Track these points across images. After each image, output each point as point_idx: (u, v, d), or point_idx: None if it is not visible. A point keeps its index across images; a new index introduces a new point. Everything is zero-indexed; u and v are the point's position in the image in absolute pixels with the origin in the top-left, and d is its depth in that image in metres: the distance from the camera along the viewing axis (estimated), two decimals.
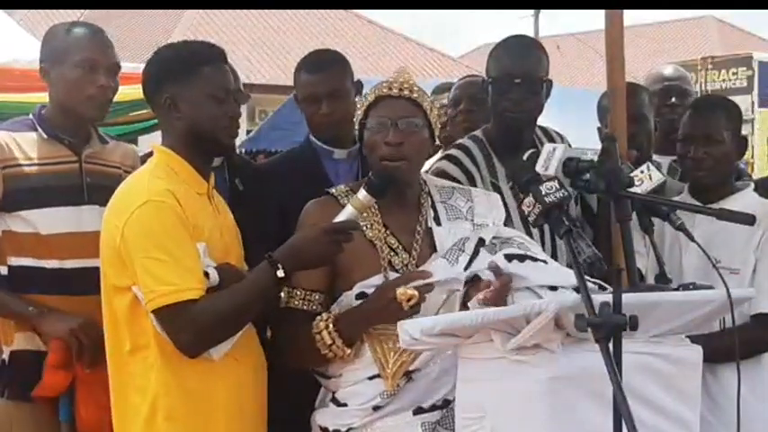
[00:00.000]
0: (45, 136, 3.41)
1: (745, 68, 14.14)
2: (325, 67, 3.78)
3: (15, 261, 3.37)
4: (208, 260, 2.89)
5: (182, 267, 2.82)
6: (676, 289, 3.10)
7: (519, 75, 3.47)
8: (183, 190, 2.93)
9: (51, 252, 3.34)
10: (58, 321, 3.24)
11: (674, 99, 4.69)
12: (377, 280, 2.93)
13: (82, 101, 3.39)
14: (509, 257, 2.87)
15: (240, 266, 3.07)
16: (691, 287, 3.03)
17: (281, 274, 2.84)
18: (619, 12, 3.69)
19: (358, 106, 3.05)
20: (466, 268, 2.89)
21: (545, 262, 2.96)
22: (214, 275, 2.88)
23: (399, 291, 2.82)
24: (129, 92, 6.85)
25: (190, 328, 2.82)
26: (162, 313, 2.82)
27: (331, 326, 2.88)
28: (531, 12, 33.04)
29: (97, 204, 3.33)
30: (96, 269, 3.04)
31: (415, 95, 3.00)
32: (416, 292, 2.81)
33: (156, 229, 2.83)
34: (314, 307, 2.95)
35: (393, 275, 2.93)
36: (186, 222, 2.87)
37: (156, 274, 2.81)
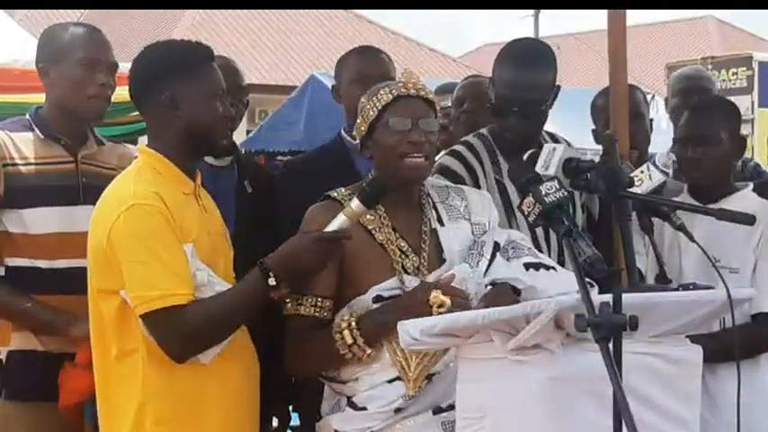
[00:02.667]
0: (42, 136, 3.41)
1: (745, 68, 14.12)
2: (377, 52, 3.90)
3: (11, 261, 3.37)
4: (197, 262, 2.87)
5: (169, 271, 2.80)
6: (676, 289, 3.10)
7: (518, 103, 3.41)
8: (170, 191, 2.90)
9: (43, 252, 3.34)
10: (86, 322, 3.22)
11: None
12: (392, 283, 2.93)
13: (83, 100, 3.39)
14: (527, 266, 2.96)
15: (228, 266, 3.05)
16: (691, 287, 3.03)
17: (272, 282, 2.84)
18: (622, 12, 3.68)
19: (367, 107, 3.01)
20: (484, 273, 2.95)
21: (555, 269, 3.02)
22: (202, 277, 2.86)
23: (434, 294, 2.84)
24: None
25: (178, 334, 2.81)
26: (150, 318, 2.80)
27: (353, 324, 2.87)
28: (531, 12, 33.03)
29: (92, 205, 3.33)
30: None
31: (430, 96, 3.01)
32: (449, 301, 2.83)
33: (143, 232, 2.81)
34: (324, 314, 2.93)
35: (407, 278, 2.94)
36: (173, 225, 2.84)
37: (143, 278, 2.79)
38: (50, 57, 3.44)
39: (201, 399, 2.90)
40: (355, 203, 2.88)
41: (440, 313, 2.80)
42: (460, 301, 2.86)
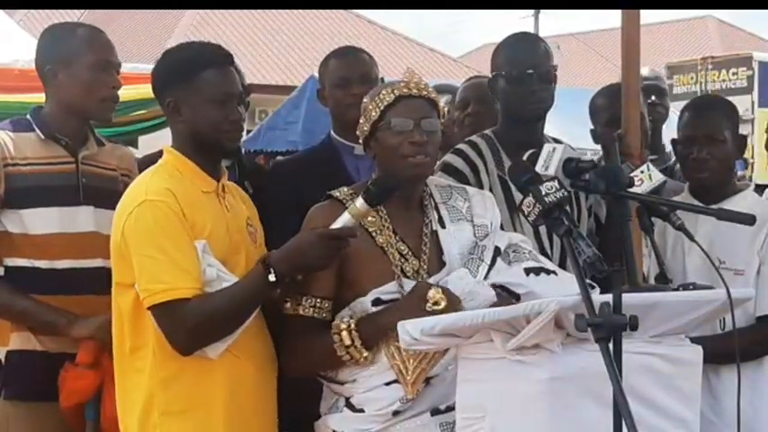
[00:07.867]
0: (42, 136, 3.41)
1: (745, 68, 14.16)
2: (357, 52, 3.91)
3: (11, 262, 3.37)
4: (209, 258, 2.90)
5: (175, 266, 2.85)
6: (676, 289, 3.11)
7: (533, 66, 3.52)
8: (186, 189, 2.95)
9: (43, 252, 3.35)
10: (86, 322, 3.26)
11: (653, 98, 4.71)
12: (392, 287, 2.93)
13: (95, 103, 3.41)
14: (527, 271, 2.96)
15: (251, 263, 3.03)
16: (691, 287, 3.03)
17: (272, 278, 2.85)
18: (636, 12, 3.67)
19: (369, 107, 3.00)
20: (485, 278, 2.95)
21: (555, 273, 3.01)
22: (211, 273, 2.89)
23: (432, 291, 2.84)
24: (129, 92, 6.87)
25: (182, 327, 2.86)
26: (156, 311, 2.87)
27: (353, 326, 2.87)
28: (531, 12, 33.11)
29: (92, 206, 3.36)
30: (91, 269, 3.10)
31: (432, 95, 3.01)
32: (446, 301, 2.83)
33: (152, 227, 2.87)
34: (324, 315, 2.94)
35: (406, 282, 2.94)
36: (184, 221, 2.89)
37: (150, 271, 2.85)
38: (58, 59, 3.42)
39: (208, 393, 2.94)
40: (360, 202, 2.89)
41: (435, 311, 2.80)
42: (457, 304, 2.85)
